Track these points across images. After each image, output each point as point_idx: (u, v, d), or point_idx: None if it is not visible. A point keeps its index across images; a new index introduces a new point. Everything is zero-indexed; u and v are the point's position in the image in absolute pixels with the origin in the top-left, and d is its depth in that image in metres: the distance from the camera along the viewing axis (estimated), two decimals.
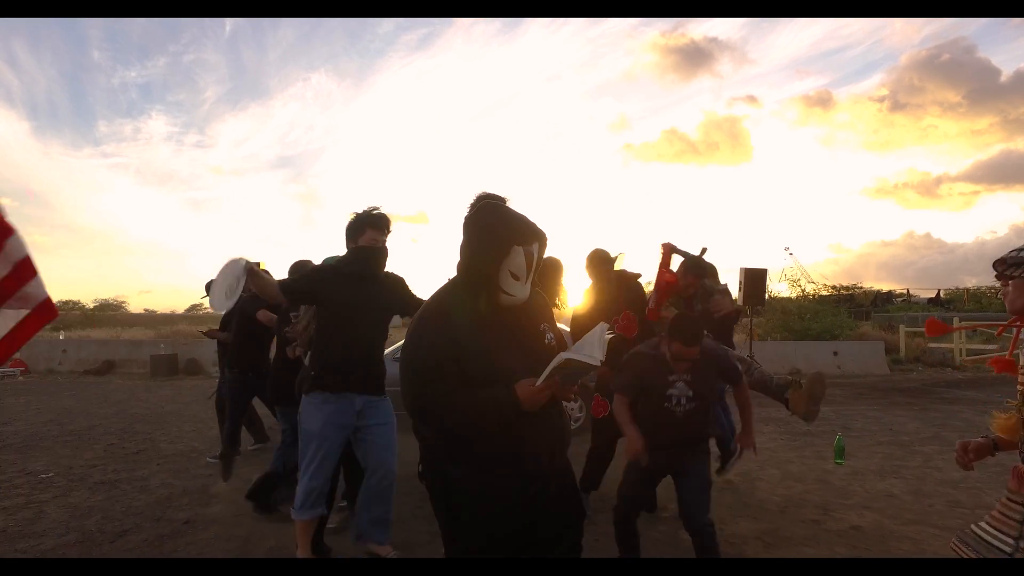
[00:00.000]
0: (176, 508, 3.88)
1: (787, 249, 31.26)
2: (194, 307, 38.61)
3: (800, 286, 19.63)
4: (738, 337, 13.42)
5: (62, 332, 18.80)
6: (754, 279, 9.48)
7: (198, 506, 3.92)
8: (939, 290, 30.00)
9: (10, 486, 4.30)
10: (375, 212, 2.81)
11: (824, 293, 23.87)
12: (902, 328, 14.56)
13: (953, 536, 2.21)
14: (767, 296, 17.28)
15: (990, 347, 14.94)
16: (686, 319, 2.70)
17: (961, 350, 13.45)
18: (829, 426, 6.16)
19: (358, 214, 2.82)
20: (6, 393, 9.13)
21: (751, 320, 10.88)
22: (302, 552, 2.83)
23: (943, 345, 14.04)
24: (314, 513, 2.79)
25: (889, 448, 5.50)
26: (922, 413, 7.29)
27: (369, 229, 2.78)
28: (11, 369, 11.63)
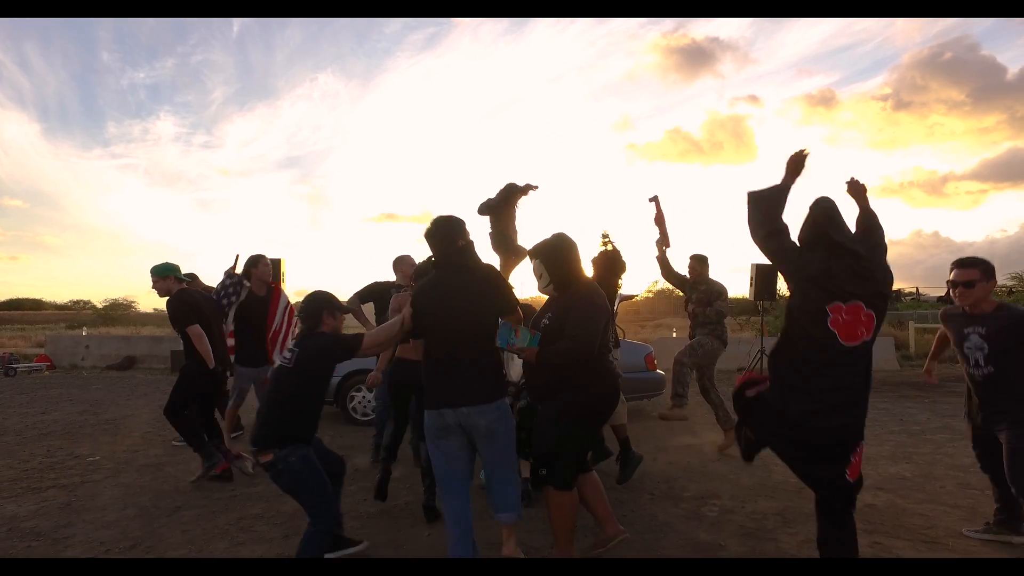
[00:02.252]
0: (220, 489, 4.09)
1: None
2: None
3: None
4: (748, 332, 13.57)
5: (85, 328, 19.16)
6: (765, 275, 9.63)
7: (241, 486, 4.14)
8: (948, 288, 29.88)
9: (63, 467, 4.54)
10: None
11: None
12: (912, 324, 14.64)
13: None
14: (779, 293, 17.39)
15: None
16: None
17: None
18: None
19: None
20: (37, 386, 9.41)
21: (762, 316, 11.02)
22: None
23: None
24: None
25: (900, 436, 5.66)
26: (932, 405, 7.43)
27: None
28: (37, 364, 11.94)
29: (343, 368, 6.34)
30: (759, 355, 9.81)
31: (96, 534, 3.23)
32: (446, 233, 2.62)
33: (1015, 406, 2.77)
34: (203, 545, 3.10)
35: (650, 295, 36.77)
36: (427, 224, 2.70)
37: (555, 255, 2.69)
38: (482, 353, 2.54)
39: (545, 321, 2.65)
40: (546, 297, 2.88)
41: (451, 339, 2.52)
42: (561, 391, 2.60)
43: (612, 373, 2.85)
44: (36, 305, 55.17)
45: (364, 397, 6.30)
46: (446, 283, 2.59)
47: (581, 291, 2.67)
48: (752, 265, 9.65)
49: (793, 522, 3.44)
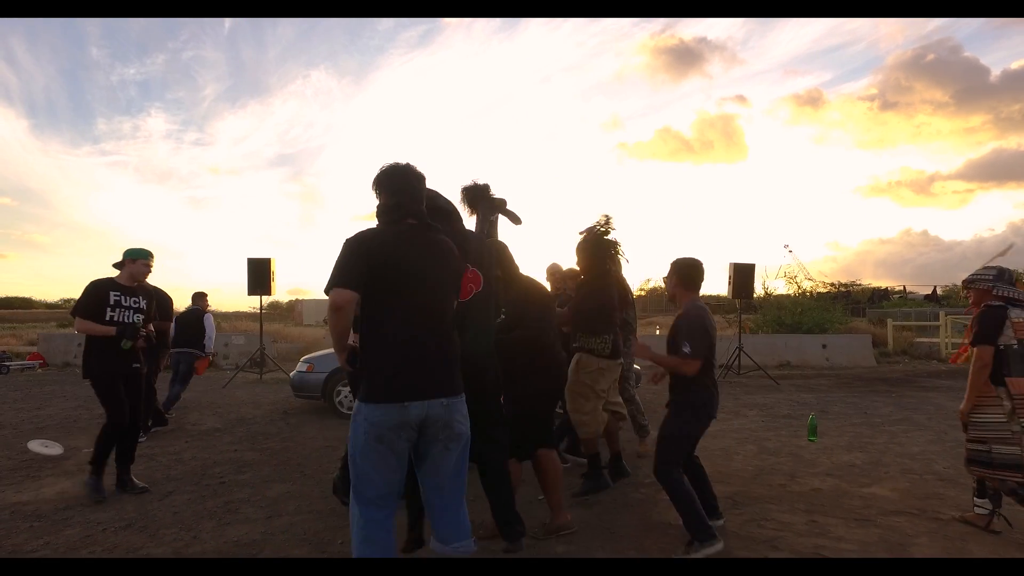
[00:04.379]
0: (210, 476, 4.34)
1: (787, 246, 31.78)
2: None
3: (797, 283, 19.98)
4: (730, 330, 13.89)
5: None
6: (742, 273, 9.93)
7: (230, 474, 4.38)
8: (935, 287, 30.46)
9: (59, 458, 4.76)
10: None
11: (822, 290, 24.25)
12: (890, 322, 15.01)
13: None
14: (765, 292, 17.77)
15: None
16: None
17: (947, 344, 13.89)
18: (809, 410, 6.60)
19: None
20: (31, 384, 9.59)
21: (740, 314, 11.33)
22: None
23: (930, 339, 14.51)
24: None
25: (860, 428, 5.96)
26: (898, 399, 7.74)
27: None
28: (30, 362, 12.10)
29: (329, 365, 6.60)
30: (737, 351, 10.12)
31: (93, 516, 3.46)
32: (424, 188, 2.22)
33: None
34: (192, 525, 3.34)
35: (643, 292, 37.19)
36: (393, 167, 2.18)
37: None
38: (451, 334, 2.14)
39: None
40: None
41: (429, 312, 2.06)
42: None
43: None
44: (26, 303, 55.01)
45: (351, 392, 6.55)
46: (421, 241, 2.10)
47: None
48: (730, 264, 9.96)
49: (741, 504, 3.71)
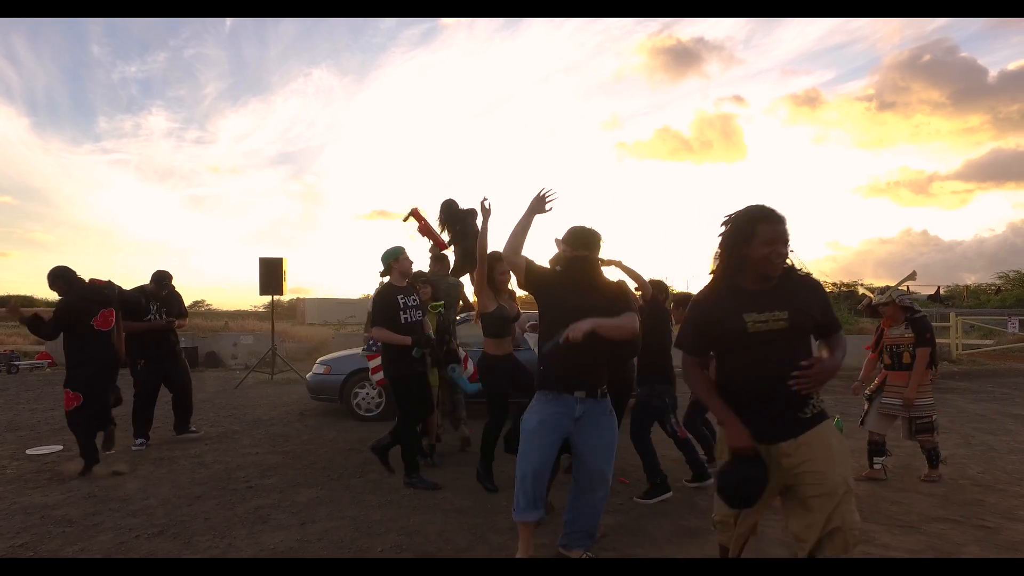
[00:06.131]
0: (235, 480, 4.28)
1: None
2: (197, 303, 38.78)
3: None
4: None
5: None
6: None
7: (255, 478, 4.33)
8: (938, 287, 30.46)
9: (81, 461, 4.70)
10: None
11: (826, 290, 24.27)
12: None
13: None
14: None
15: (986, 342, 15.38)
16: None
17: (958, 344, 13.87)
18: (828, 412, 6.56)
19: None
20: (41, 383, 9.54)
21: None
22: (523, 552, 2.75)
23: (940, 340, 14.48)
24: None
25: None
26: None
27: None
28: (39, 361, 12.06)
29: (346, 367, 6.55)
30: None
31: (124, 521, 3.41)
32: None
33: None
34: (225, 531, 3.29)
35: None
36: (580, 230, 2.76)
37: None
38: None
39: None
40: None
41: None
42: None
43: None
44: (28, 302, 54.79)
45: (368, 394, 6.50)
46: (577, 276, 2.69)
47: None
48: None
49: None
